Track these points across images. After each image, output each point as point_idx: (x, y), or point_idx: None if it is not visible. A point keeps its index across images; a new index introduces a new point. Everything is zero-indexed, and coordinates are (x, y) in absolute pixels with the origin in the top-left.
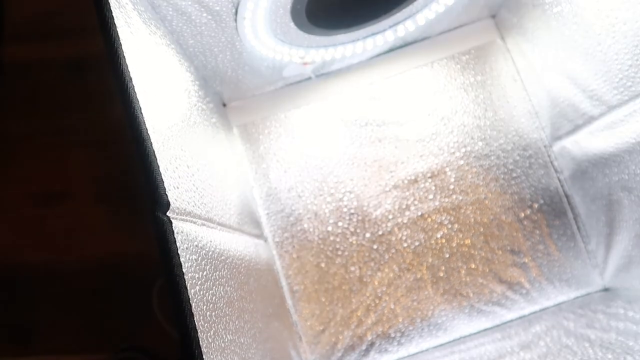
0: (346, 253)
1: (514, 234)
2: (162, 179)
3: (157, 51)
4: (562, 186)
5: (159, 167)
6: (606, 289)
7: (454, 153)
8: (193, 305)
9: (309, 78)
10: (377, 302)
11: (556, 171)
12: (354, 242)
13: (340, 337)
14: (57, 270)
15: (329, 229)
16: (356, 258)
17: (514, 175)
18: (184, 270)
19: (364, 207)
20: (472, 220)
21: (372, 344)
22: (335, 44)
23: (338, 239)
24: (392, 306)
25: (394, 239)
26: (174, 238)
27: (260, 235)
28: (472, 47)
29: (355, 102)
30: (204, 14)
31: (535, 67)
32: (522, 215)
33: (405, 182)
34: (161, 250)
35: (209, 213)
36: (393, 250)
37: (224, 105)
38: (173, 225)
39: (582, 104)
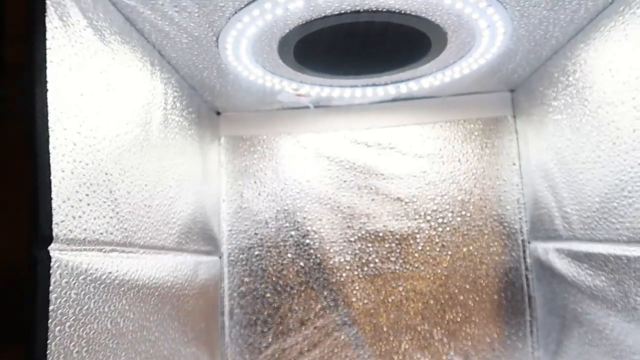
0: (294, 291)
1: (466, 319)
2: (50, 212)
3: (113, 69)
4: (527, 286)
5: (51, 199)
6: None
7: (429, 221)
8: (54, 342)
9: (308, 107)
10: (311, 348)
11: (526, 269)
12: (305, 282)
13: None
14: None
15: (285, 262)
16: (303, 298)
17: (484, 260)
18: (51, 307)
19: (325, 250)
20: (427, 293)
21: None
22: (332, 85)
23: (291, 275)
24: (325, 357)
25: (345, 290)
26: (48, 274)
27: (213, 252)
28: (481, 117)
29: (346, 143)
30: (184, 35)
31: (535, 160)
32: (480, 303)
33: (372, 237)
34: (25, 289)
35: (130, 237)
36: (341, 302)
37: (218, 113)
38: (52, 260)
39: (556, 219)
